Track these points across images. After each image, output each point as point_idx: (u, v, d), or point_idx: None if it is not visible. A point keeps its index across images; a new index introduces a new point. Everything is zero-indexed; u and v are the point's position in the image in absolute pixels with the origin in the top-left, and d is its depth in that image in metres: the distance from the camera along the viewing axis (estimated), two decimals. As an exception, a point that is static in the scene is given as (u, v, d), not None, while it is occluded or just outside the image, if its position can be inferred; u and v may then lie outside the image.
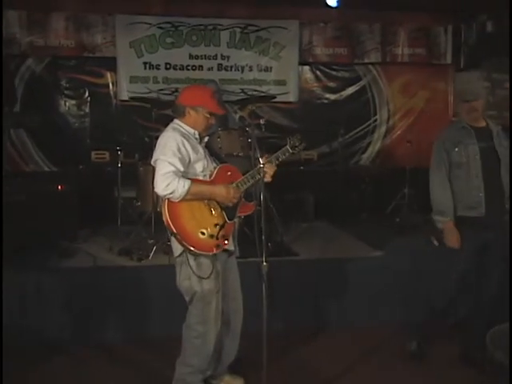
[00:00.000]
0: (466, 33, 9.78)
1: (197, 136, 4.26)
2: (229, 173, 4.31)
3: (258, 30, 9.31)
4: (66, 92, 9.11)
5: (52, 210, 6.79)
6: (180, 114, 4.28)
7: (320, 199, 8.68)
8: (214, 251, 4.14)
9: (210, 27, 9.16)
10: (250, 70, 9.37)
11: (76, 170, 8.82)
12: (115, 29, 8.94)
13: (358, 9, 9.18)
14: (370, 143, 9.94)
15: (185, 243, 4.04)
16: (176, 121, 4.28)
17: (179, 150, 4.04)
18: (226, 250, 4.31)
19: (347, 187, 9.00)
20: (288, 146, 4.45)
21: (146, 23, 8.99)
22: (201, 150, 4.24)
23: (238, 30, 9.25)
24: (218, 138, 6.25)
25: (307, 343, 5.64)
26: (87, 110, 9.14)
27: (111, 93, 9.17)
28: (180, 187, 3.92)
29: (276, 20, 9.33)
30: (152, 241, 6.48)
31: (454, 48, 9.89)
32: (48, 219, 6.67)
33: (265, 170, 4.20)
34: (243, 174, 4.33)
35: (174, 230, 4.00)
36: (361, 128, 9.85)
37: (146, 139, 8.66)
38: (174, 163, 3.98)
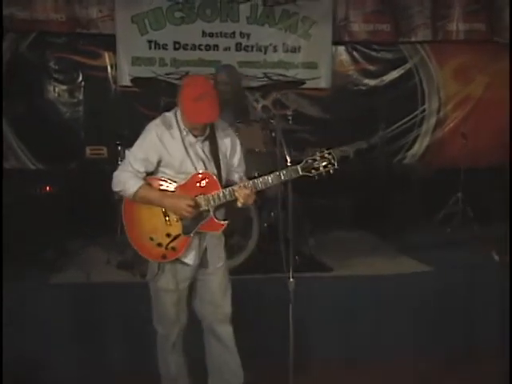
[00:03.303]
0: (536, 4, 9.64)
1: (188, 136, 4.38)
2: (203, 183, 4.37)
3: (284, 3, 9.30)
4: (55, 75, 9.15)
5: (38, 215, 6.82)
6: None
7: (356, 204, 8.77)
8: (159, 260, 4.44)
9: (227, -1, 9.21)
10: (275, 50, 9.37)
11: (67, 169, 8.88)
12: (114, 0, 8.97)
13: (405, -24, 9.18)
14: (416, 138, 9.93)
15: (132, 244, 4.48)
16: (177, 108, 4.46)
17: (151, 147, 4.31)
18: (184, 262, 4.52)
19: (389, 190, 8.99)
20: (299, 166, 4.24)
21: (151, -6, 9.06)
22: (182, 148, 4.36)
23: (260, 2, 9.25)
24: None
25: (340, 377, 5.67)
26: (81, 97, 9.20)
27: (109, 77, 9.22)
28: (128, 188, 4.32)
29: (306, -10, 9.35)
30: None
31: (520, 23, 9.76)
32: (34, 227, 6.69)
33: (235, 194, 4.27)
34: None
35: (125, 228, 4.46)
36: (406, 120, 9.83)
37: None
38: (133, 163, 4.33)
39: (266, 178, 4.23)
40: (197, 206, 4.30)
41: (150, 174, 4.41)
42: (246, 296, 5.34)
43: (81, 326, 5.76)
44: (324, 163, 4.14)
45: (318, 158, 4.16)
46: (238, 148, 4.62)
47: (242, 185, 4.24)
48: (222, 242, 4.68)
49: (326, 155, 4.15)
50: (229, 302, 4.71)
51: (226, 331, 4.74)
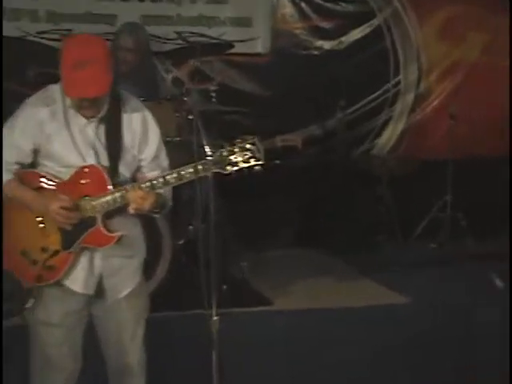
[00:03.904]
0: None
1: (76, 116, 4.26)
2: (88, 180, 4.26)
3: None
4: None
5: None
6: None
7: (306, 212, 8.82)
8: (34, 283, 4.31)
9: None
10: (192, 0, 9.37)
11: None
12: None
13: None
14: (388, 121, 10.06)
15: (4, 261, 4.34)
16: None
17: (23, 131, 4.23)
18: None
19: (351, 192, 9.13)
20: (208, 161, 4.03)
21: None
22: (66, 132, 4.25)
23: None
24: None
25: None
26: None
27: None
28: None
29: None
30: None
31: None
32: None
33: (128, 196, 4.14)
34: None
35: None
36: (374, 96, 9.93)
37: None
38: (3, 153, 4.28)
39: (166, 176, 4.09)
40: (76, 210, 4.17)
41: (30, 166, 4.29)
42: (155, 340, 5.27)
43: None
44: (244, 157, 3.99)
45: (236, 150, 4.00)
46: (154, 135, 4.42)
47: (135, 184, 4.13)
48: (132, 262, 4.49)
49: (248, 145, 4.00)
50: (138, 348, 4.59)
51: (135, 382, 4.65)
